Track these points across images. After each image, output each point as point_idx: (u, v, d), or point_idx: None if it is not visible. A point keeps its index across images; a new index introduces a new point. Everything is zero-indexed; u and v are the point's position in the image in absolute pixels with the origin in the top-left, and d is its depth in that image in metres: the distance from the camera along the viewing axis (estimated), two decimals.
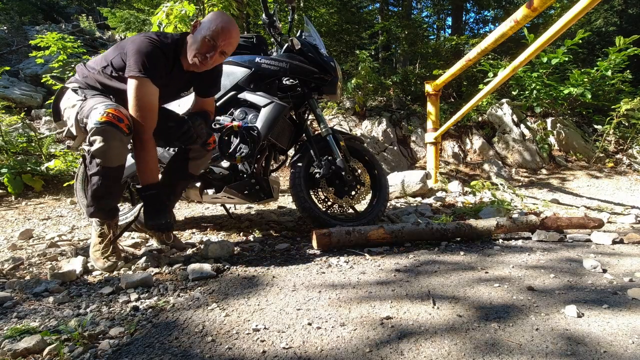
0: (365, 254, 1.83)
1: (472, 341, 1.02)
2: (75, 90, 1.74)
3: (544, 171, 5.11)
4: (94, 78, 1.72)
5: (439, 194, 3.60)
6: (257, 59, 2.18)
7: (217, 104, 2.21)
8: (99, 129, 1.50)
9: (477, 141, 5.55)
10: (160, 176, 1.97)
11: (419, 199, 3.45)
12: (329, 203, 2.33)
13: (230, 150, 1.91)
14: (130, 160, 2.30)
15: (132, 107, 1.57)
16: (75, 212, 2.87)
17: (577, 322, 1.11)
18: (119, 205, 2.54)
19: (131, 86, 1.57)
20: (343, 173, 2.19)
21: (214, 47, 1.61)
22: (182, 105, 2.26)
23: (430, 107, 4.04)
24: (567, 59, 5.25)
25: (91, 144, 1.54)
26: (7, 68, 4.89)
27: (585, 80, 5.33)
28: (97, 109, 1.54)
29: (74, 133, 1.74)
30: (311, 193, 2.27)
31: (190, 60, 1.65)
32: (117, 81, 1.67)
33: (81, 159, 1.77)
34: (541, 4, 2.31)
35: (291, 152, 2.43)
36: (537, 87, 5.44)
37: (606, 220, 2.66)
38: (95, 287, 1.48)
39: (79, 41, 4.50)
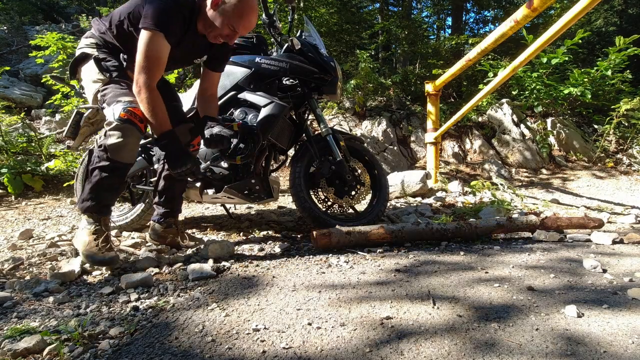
0: (365, 254, 1.83)
1: (472, 341, 1.02)
2: (98, 61, 1.71)
3: (544, 171, 5.11)
4: (110, 36, 1.71)
5: (439, 194, 3.60)
6: (257, 59, 2.18)
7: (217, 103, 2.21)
8: (119, 126, 1.56)
9: (477, 141, 5.55)
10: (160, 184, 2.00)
11: (419, 199, 3.45)
12: (329, 203, 2.32)
13: (230, 150, 1.91)
14: None
15: (140, 58, 1.54)
16: (75, 212, 2.87)
17: (577, 322, 1.11)
18: (118, 206, 2.55)
19: (143, 37, 1.54)
20: (343, 173, 2.19)
21: (234, 32, 1.65)
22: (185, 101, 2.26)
23: (430, 107, 4.04)
24: (567, 59, 5.24)
25: (108, 137, 1.57)
26: (7, 68, 4.89)
27: (585, 80, 5.33)
28: (121, 103, 1.59)
29: (90, 103, 1.78)
30: (311, 193, 2.27)
31: (209, 38, 1.68)
32: (133, 37, 1.64)
33: (86, 153, 1.77)
34: (541, 4, 2.31)
35: (291, 152, 2.43)
36: (537, 87, 5.44)
37: (606, 220, 2.66)
38: (95, 287, 1.48)
39: (78, 41, 4.51)
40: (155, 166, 2.10)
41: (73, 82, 1.94)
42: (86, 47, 1.75)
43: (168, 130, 1.61)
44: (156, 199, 2.02)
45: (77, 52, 1.78)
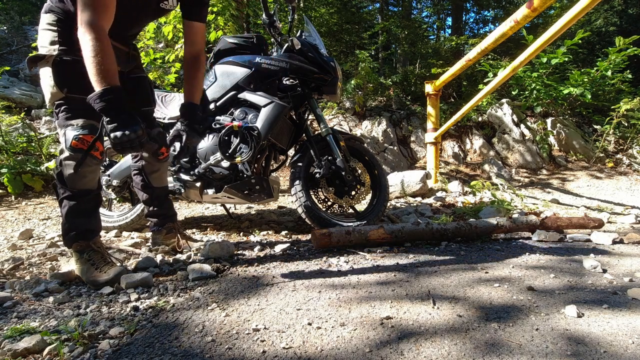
0: (365, 254, 1.83)
1: (472, 341, 1.02)
2: (56, 69, 1.46)
3: (544, 171, 5.11)
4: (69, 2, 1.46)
5: (439, 194, 3.60)
6: (257, 59, 2.18)
7: (217, 103, 2.21)
8: (73, 156, 1.46)
9: (477, 141, 5.55)
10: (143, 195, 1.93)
11: (419, 199, 3.45)
12: (329, 203, 2.32)
13: (230, 151, 1.91)
14: (128, 162, 2.30)
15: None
16: None
17: (577, 322, 1.11)
18: (118, 206, 2.55)
19: None
20: (343, 173, 2.19)
21: None
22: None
23: (430, 108, 4.04)
24: (567, 59, 5.24)
25: (64, 167, 1.49)
26: (7, 68, 4.88)
27: (585, 80, 5.33)
28: (71, 128, 1.45)
29: (47, 105, 1.55)
30: (311, 193, 2.27)
31: None
32: None
33: (53, 186, 1.59)
34: (541, 4, 2.31)
35: (291, 152, 2.43)
36: (537, 87, 5.44)
37: (606, 220, 2.66)
38: None
39: None
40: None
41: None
42: (47, 33, 1.49)
43: (116, 86, 1.26)
44: (145, 211, 2.01)
45: (38, 42, 1.51)
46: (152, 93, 1.84)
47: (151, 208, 1.97)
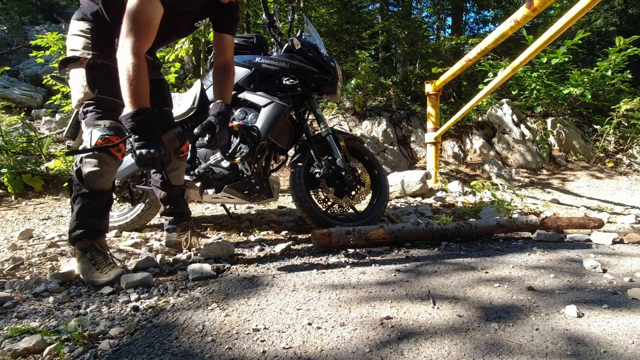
0: (366, 254, 1.83)
1: (472, 341, 1.02)
2: (90, 71, 1.55)
3: (544, 171, 5.11)
4: (104, 13, 1.55)
5: (439, 194, 3.60)
6: (257, 59, 2.18)
7: None
8: (96, 154, 1.50)
9: (477, 141, 5.55)
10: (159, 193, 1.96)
11: (419, 199, 3.45)
12: (329, 203, 2.32)
13: (230, 151, 1.91)
14: (129, 160, 2.30)
15: (127, 20, 1.35)
16: None
17: (577, 322, 1.11)
18: (118, 206, 2.55)
19: None
20: (343, 173, 2.19)
21: None
22: (182, 105, 2.26)
23: (430, 108, 4.04)
24: (567, 59, 5.24)
25: (84, 164, 1.51)
26: (7, 68, 4.89)
27: (585, 80, 5.33)
28: (99, 128, 1.51)
29: (73, 105, 1.62)
30: (311, 193, 2.27)
31: None
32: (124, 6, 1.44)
33: (68, 183, 1.64)
34: (541, 4, 2.31)
35: (291, 152, 2.43)
36: (537, 87, 5.44)
37: (606, 220, 2.66)
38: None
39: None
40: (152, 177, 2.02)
41: (63, 76, 1.83)
42: (79, 38, 1.56)
43: (147, 107, 1.37)
44: (161, 210, 2.02)
45: (69, 46, 1.59)
46: (169, 95, 1.91)
47: (167, 207, 1.99)
